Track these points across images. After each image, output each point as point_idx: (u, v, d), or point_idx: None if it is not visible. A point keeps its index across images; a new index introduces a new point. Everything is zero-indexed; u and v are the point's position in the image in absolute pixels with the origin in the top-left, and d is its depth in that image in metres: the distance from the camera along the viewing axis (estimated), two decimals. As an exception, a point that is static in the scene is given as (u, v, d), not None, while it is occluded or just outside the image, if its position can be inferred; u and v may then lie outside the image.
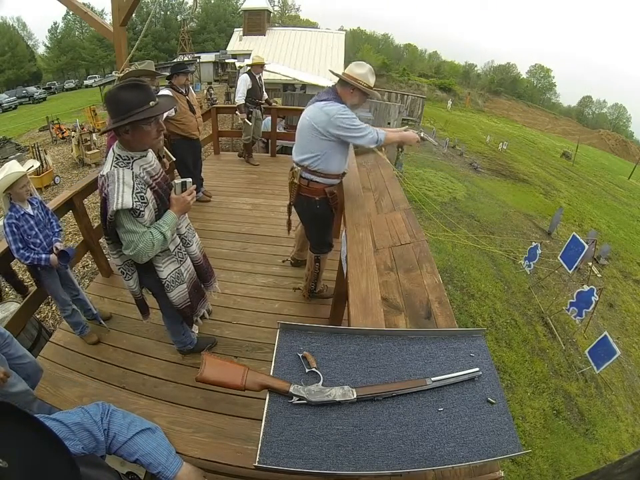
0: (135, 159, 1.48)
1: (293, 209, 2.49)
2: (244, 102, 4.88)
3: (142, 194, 1.46)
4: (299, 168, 2.20)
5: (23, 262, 2.02)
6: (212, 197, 4.32)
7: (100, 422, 0.87)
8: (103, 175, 1.45)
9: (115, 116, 1.40)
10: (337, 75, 2.05)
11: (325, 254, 2.54)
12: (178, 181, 1.64)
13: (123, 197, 1.38)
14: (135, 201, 1.41)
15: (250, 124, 5.04)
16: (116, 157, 1.45)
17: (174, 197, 1.61)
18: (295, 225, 2.82)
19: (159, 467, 0.89)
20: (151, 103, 1.42)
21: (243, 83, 4.85)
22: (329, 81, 2.70)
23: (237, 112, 5.04)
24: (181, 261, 1.74)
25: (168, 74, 3.50)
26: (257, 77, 4.95)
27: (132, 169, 1.46)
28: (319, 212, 2.31)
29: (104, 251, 3.04)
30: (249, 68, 4.98)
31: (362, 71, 1.99)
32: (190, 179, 1.68)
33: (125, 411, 0.95)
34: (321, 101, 2.04)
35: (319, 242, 2.49)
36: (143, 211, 1.46)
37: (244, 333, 2.48)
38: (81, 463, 0.59)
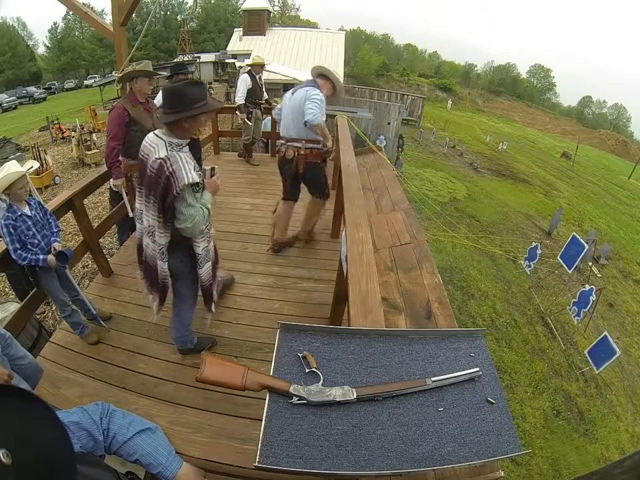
0: (183, 145, 1.67)
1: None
2: (244, 102, 4.88)
3: (198, 172, 1.69)
4: (303, 142, 2.81)
5: (21, 262, 2.02)
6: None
7: (99, 422, 0.87)
8: (161, 158, 1.59)
9: (178, 107, 1.58)
10: (320, 70, 2.80)
11: (328, 197, 3.21)
12: (207, 167, 1.89)
13: (191, 173, 1.60)
14: (198, 177, 1.65)
15: (250, 124, 5.04)
16: (168, 143, 1.62)
17: (208, 181, 1.85)
18: (274, 209, 3.33)
19: (158, 467, 0.89)
20: (208, 98, 1.65)
21: (243, 83, 4.86)
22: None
23: (236, 112, 5.04)
24: (208, 240, 1.92)
25: (167, 74, 3.50)
26: (257, 77, 4.95)
27: (185, 153, 1.66)
28: (321, 168, 3.05)
29: (103, 251, 3.04)
30: (249, 68, 4.98)
31: (336, 75, 2.85)
32: (216, 165, 1.91)
33: (125, 411, 0.95)
34: (307, 86, 2.72)
35: (323, 189, 3.15)
36: (203, 184, 1.70)
37: (244, 333, 2.48)
38: (79, 462, 0.60)
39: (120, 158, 2.86)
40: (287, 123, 2.86)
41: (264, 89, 5.18)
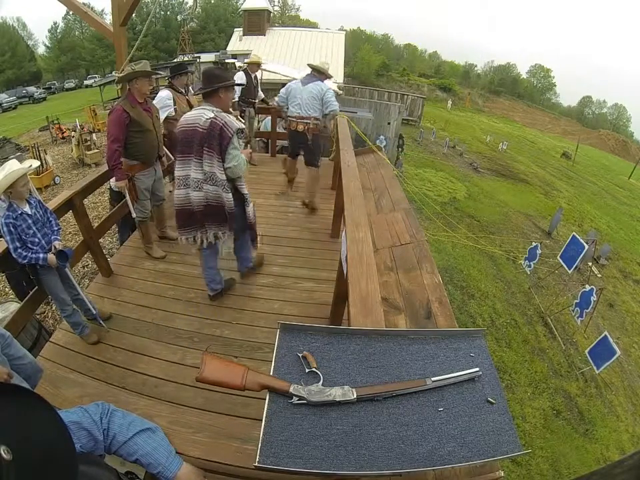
0: (221, 111, 2.18)
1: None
2: (237, 100, 4.87)
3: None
4: (312, 119, 3.69)
5: (21, 261, 2.01)
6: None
7: (99, 422, 0.87)
8: (211, 117, 2.11)
9: (215, 82, 2.15)
10: (317, 67, 3.74)
11: (319, 166, 4.01)
12: (243, 142, 2.39)
13: (237, 122, 2.16)
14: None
15: (243, 122, 5.04)
16: (211, 110, 2.15)
17: (243, 151, 2.32)
18: (283, 159, 4.42)
19: (158, 467, 0.89)
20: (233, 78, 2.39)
21: (238, 80, 4.85)
22: (328, 81, 3.87)
23: (230, 109, 5.04)
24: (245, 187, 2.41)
25: (165, 74, 3.52)
26: (253, 75, 4.95)
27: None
28: (321, 137, 4.01)
29: (103, 251, 3.03)
30: (245, 66, 4.99)
31: (327, 67, 3.79)
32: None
33: (125, 411, 0.95)
34: (318, 80, 3.69)
35: (318, 158, 3.98)
36: (245, 130, 2.23)
37: (244, 333, 2.48)
38: (79, 461, 0.60)
39: (121, 159, 2.86)
40: (301, 105, 3.72)
41: (259, 88, 5.17)
